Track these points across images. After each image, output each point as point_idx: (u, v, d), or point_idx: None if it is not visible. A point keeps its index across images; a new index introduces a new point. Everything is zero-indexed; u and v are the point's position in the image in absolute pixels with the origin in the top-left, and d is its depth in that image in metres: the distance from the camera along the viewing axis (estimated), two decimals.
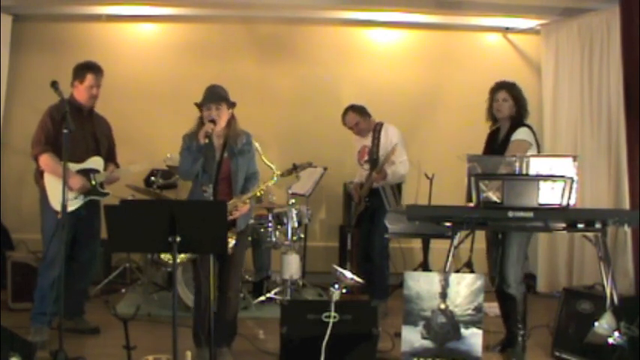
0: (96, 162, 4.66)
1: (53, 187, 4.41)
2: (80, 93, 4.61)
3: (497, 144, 4.45)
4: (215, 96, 4.11)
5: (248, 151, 4.23)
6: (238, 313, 4.43)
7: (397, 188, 5.59)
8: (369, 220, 5.64)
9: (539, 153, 4.48)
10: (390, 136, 5.53)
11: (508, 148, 4.32)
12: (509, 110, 4.43)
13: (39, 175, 4.56)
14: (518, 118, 4.42)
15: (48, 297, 4.37)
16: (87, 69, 4.60)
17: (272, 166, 4.28)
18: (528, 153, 4.24)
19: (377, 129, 5.62)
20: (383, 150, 5.51)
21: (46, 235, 4.51)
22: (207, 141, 3.93)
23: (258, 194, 4.28)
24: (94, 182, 4.61)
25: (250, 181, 4.23)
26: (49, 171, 4.47)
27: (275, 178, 4.30)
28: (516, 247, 4.25)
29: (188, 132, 4.18)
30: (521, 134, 4.33)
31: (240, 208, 4.09)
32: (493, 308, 5.17)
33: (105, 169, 4.73)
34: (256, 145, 4.26)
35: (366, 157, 5.66)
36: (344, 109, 5.74)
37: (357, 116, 5.65)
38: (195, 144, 4.04)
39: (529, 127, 4.39)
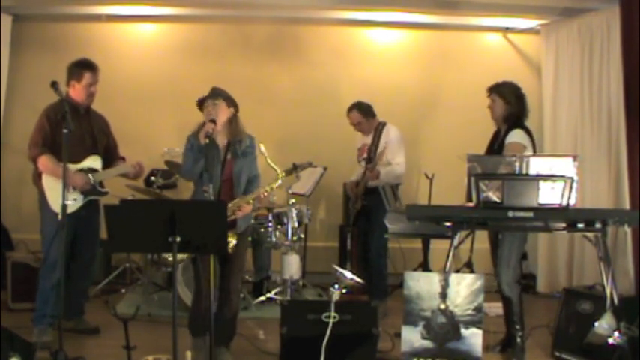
0: (94, 161, 4.65)
1: (52, 189, 4.40)
2: (78, 92, 4.58)
3: (496, 146, 4.46)
4: (213, 92, 4.13)
5: (251, 154, 4.25)
6: (238, 314, 4.43)
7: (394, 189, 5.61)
8: (365, 220, 5.65)
9: (536, 154, 4.47)
10: (390, 136, 5.53)
11: (504, 151, 4.32)
12: (500, 110, 4.44)
13: (37, 176, 4.55)
14: (514, 119, 4.41)
15: (50, 299, 4.37)
16: (84, 67, 4.57)
17: (277, 168, 4.29)
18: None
19: (379, 128, 5.64)
20: (382, 149, 5.52)
21: (46, 237, 4.49)
22: (207, 141, 3.95)
23: (262, 196, 4.28)
24: (92, 181, 4.59)
25: (252, 183, 4.25)
26: (48, 173, 4.45)
27: (280, 180, 4.30)
28: (507, 250, 4.26)
29: (192, 132, 4.19)
30: (514, 137, 4.33)
31: (243, 208, 4.10)
32: (493, 308, 5.18)
33: (109, 166, 4.72)
34: (262, 148, 4.26)
35: (364, 155, 5.67)
36: (351, 103, 5.74)
37: (360, 116, 5.66)
38: (196, 144, 4.06)
39: (524, 128, 4.38)
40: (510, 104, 4.41)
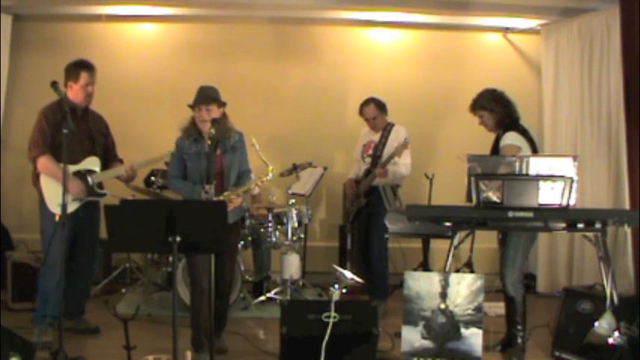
0: (92, 162, 4.63)
1: (50, 189, 4.39)
2: (75, 92, 4.56)
3: (497, 151, 4.46)
4: (206, 97, 4.25)
5: (240, 148, 4.38)
6: (239, 312, 4.46)
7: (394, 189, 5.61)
8: (366, 221, 5.64)
9: (535, 154, 4.46)
10: (400, 137, 5.52)
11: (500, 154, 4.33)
12: (490, 121, 4.47)
13: (36, 177, 4.54)
14: (507, 121, 4.42)
15: (50, 299, 4.37)
16: (80, 67, 4.56)
17: (268, 162, 4.32)
18: None
19: (387, 128, 5.65)
20: (388, 149, 5.52)
21: (45, 237, 4.48)
22: (209, 142, 4.07)
23: (253, 189, 4.32)
24: (90, 183, 4.59)
25: (242, 178, 4.37)
26: (47, 173, 4.44)
27: (270, 175, 4.32)
28: (512, 250, 4.26)
29: (180, 135, 4.36)
30: (507, 139, 4.34)
31: (233, 200, 4.18)
32: (493, 308, 5.18)
33: (107, 168, 4.72)
34: (254, 141, 4.30)
35: (370, 152, 5.66)
36: (366, 98, 5.72)
37: (377, 111, 5.65)
38: (187, 145, 4.25)
39: (517, 129, 4.38)
40: (494, 110, 4.44)
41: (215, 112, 4.23)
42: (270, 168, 4.31)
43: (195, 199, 4.11)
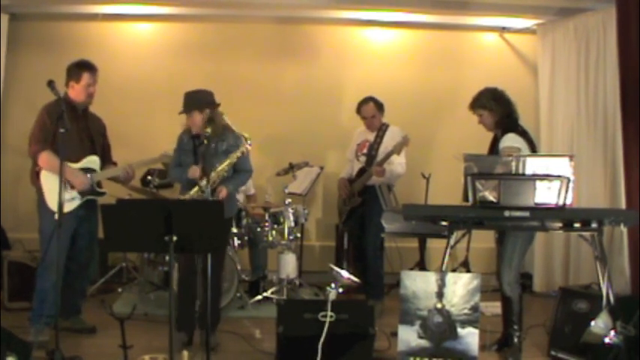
0: (92, 161, 4.63)
1: (50, 187, 4.38)
2: (77, 92, 4.57)
3: (495, 151, 4.46)
4: (186, 106, 4.39)
5: (236, 152, 4.41)
6: (221, 297, 4.64)
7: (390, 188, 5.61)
8: (360, 220, 5.64)
9: (535, 153, 4.47)
10: (395, 137, 5.52)
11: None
12: (489, 120, 4.47)
13: (35, 175, 4.53)
14: (506, 121, 4.42)
15: (47, 299, 4.36)
16: (82, 68, 4.57)
17: (245, 134, 4.40)
18: None
19: (382, 128, 5.66)
20: (384, 149, 5.52)
21: (44, 236, 4.46)
22: (205, 142, 4.15)
23: (236, 159, 4.45)
24: (90, 181, 4.59)
25: (239, 174, 4.48)
26: (49, 169, 4.42)
27: (249, 142, 4.46)
28: (509, 250, 4.26)
29: (181, 133, 4.51)
30: (507, 141, 4.33)
31: (220, 192, 4.30)
32: (490, 308, 5.19)
33: (102, 169, 4.72)
34: (225, 117, 4.40)
35: (364, 151, 5.66)
36: (365, 97, 5.71)
37: (376, 109, 5.66)
38: (191, 142, 4.33)
39: (517, 130, 4.38)
40: (493, 110, 4.43)
41: (197, 118, 4.34)
42: (247, 135, 4.42)
43: (194, 199, 4.13)
